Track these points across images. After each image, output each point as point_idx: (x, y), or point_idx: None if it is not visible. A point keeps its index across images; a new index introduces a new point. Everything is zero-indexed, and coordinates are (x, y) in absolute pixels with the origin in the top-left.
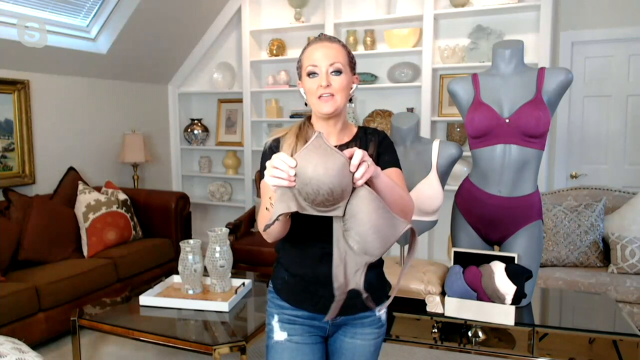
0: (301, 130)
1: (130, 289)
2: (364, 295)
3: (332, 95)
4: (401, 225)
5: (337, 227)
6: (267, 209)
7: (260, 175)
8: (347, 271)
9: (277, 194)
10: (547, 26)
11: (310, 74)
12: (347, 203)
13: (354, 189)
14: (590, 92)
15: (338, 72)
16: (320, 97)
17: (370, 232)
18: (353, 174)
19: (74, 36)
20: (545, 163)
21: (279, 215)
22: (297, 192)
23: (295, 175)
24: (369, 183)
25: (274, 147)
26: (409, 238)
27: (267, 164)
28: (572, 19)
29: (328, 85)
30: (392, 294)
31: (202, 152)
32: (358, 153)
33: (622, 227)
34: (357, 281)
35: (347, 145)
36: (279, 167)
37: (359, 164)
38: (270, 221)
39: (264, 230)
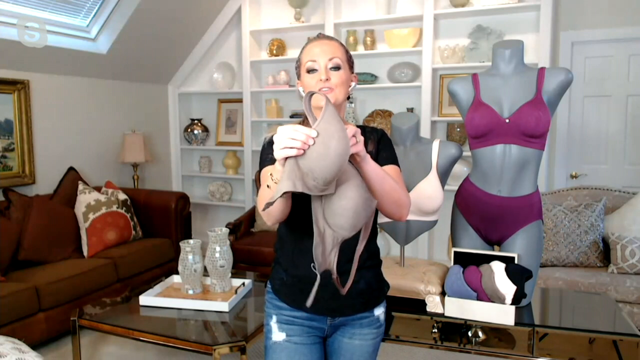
0: None
1: (130, 289)
2: (334, 276)
3: (332, 89)
4: (373, 202)
5: (316, 205)
6: (268, 186)
7: (259, 168)
8: (325, 250)
9: (284, 170)
10: (547, 26)
11: (310, 70)
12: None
13: None
14: (590, 92)
15: (337, 67)
16: (319, 91)
17: (351, 207)
18: None
19: (74, 36)
20: (545, 163)
21: (283, 193)
22: (308, 170)
23: (308, 147)
24: (356, 166)
25: (274, 142)
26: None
27: (276, 137)
28: (572, 19)
29: (327, 80)
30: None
31: (202, 152)
32: (351, 129)
33: (622, 227)
34: (330, 261)
35: None
36: (296, 137)
37: (350, 139)
38: (273, 199)
39: (265, 208)
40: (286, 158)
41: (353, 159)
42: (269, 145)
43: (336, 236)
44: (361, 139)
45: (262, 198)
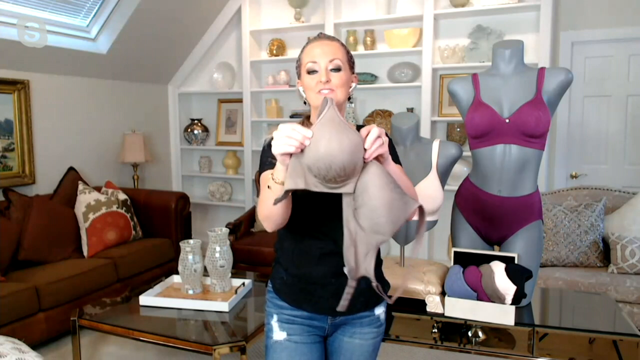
0: None
1: (130, 289)
2: (374, 283)
3: (332, 90)
4: (411, 203)
5: (346, 205)
6: (268, 187)
7: (259, 171)
8: (358, 253)
9: (288, 170)
10: (547, 26)
11: (310, 71)
12: (357, 179)
13: (364, 165)
14: (590, 92)
15: (337, 69)
16: (319, 92)
17: (381, 207)
18: (365, 150)
19: (74, 36)
20: (545, 163)
21: (287, 192)
22: (307, 168)
23: (306, 147)
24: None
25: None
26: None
27: (275, 134)
28: (572, 19)
29: (328, 81)
30: (400, 290)
31: (202, 152)
32: (376, 129)
33: (622, 227)
34: (366, 266)
35: None
36: (293, 136)
37: (375, 140)
38: (280, 196)
39: (275, 203)
40: (290, 156)
41: (377, 160)
42: (269, 147)
43: (370, 240)
44: (386, 139)
45: (263, 200)
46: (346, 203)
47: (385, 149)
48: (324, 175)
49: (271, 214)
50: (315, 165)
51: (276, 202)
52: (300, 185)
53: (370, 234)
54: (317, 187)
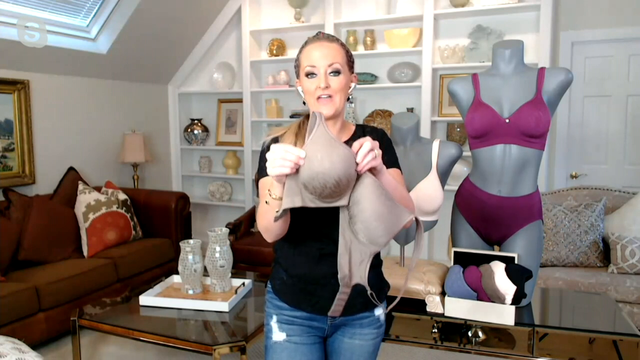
0: (300, 129)
1: (130, 289)
2: (369, 291)
3: (331, 96)
4: (405, 214)
5: (343, 215)
6: (266, 202)
7: (258, 175)
8: (352, 261)
9: (285, 188)
10: (547, 26)
11: (309, 75)
12: (351, 191)
13: (358, 177)
14: (590, 92)
15: (337, 72)
16: (318, 98)
17: (373, 219)
18: (357, 163)
19: (74, 36)
20: (545, 163)
21: (285, 210)
22: (302, 186)
23: (300, 166)
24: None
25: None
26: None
27: (269, 155)
28: (572, 19)
29: (327, 87)
30: (400, 293)
31: (202, 152)
32: (368, 143)
33: (622, 227)
34: (361, 274)
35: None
36: (287, 157)
37: (367, 153)
38: (278, 215)
39: (276, 220)
40: (285, 176)
41: (371, 172)
42: (268, 150)
43: (365, 249)
44: (379, 152)
45: (262, 214)
46: (342, 213)
47: (377, 162)
48: (319, 192)
49: (270, 226)
50: (310, 184)
51: (276, 219)
52: (297, 203)
53: (365, 244)
54: (314, 202)
